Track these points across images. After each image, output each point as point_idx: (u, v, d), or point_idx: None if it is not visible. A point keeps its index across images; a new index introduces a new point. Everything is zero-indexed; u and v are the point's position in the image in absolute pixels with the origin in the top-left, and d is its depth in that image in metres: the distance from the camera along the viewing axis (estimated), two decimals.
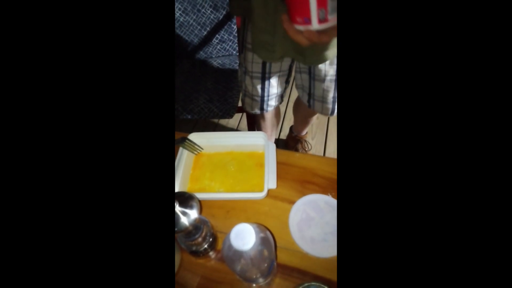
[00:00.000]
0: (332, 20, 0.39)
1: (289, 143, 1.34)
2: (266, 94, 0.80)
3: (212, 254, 0.51)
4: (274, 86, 0.80)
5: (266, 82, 0.78)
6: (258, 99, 0.82)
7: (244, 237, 0.32)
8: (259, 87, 0.79)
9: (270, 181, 0.53)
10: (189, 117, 1.10)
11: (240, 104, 0.98)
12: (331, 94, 0.77)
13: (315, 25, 0.39)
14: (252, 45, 0.70)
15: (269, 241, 0.35)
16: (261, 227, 0.36)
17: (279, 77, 0.78)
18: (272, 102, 0.85)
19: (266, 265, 0.35)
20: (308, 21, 0.39)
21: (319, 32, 0.41)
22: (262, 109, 0.85)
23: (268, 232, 0.36)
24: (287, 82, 0.84)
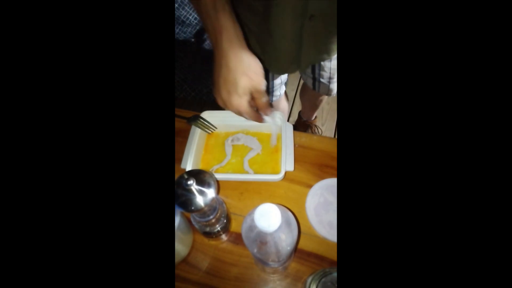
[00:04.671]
0: None
1: (297, 129, 1.31)
2: (270, 86, 0.78)
3: (225, 236, 0.49)
4: (277, 76, 0.77)
5: (270, 75, 0.75)
6: None
7: (269, 218, 0.29)
8: None
9: (288, 163, 0.51)
10: (198, 98, 1.07)
11: None
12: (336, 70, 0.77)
13: None
14: (272, 67, 0.68)
15: (293, 223, 0.33)
16: (285, 209, 0.34)
17: None
18: (277, 92, 0.83)
19: (289, 248, 0.33)
20: None
21: None
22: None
23: (291, 214, 0.34)
24: None
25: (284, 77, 0.82)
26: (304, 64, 0.66)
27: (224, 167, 0.56)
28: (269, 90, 0.80)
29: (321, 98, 1.06)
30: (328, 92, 0.84)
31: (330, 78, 0.79)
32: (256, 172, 0.55)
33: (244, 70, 0.41)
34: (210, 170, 0.56)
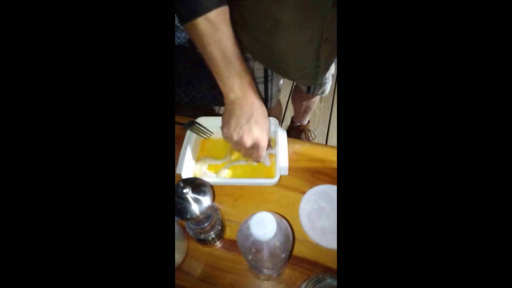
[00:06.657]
0: None
1: (291, 134, 1.32)
2: (269, 94, 0.83)
3: (219, 243, 0.49)
4: (275, 84, 0.82)
5: (269, 84, 0.80)
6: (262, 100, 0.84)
7: (265, 226, 0.30)
8: (262, 90, 0.81)
9: (282, 168, 0.52)
10: (192, 103, 1.07)
11: None
12: (331, 72, 0.82)
13: None
14: (291, 77, 0.72)
15: (288, 231, 0.34)
16: (279, 217, 0.34)
17: (279, 76, 0.81)
18: (275, 99, 0.88)
19: (283, 256, 0.34)
20: None
21: None
22: (266, 107, 0.86)
23: (286, 222, 0.35)
24: None
25: (280, 84, 0.85)
26: (320, 79, 0.71)
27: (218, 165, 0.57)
28: (267, 99, 0.84)
29: (313, 99, 1.08)
30: (322, 92, 0.90)
31: (325, 78, 0.83)
32: (250, 177, 0.55)
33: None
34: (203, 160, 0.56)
